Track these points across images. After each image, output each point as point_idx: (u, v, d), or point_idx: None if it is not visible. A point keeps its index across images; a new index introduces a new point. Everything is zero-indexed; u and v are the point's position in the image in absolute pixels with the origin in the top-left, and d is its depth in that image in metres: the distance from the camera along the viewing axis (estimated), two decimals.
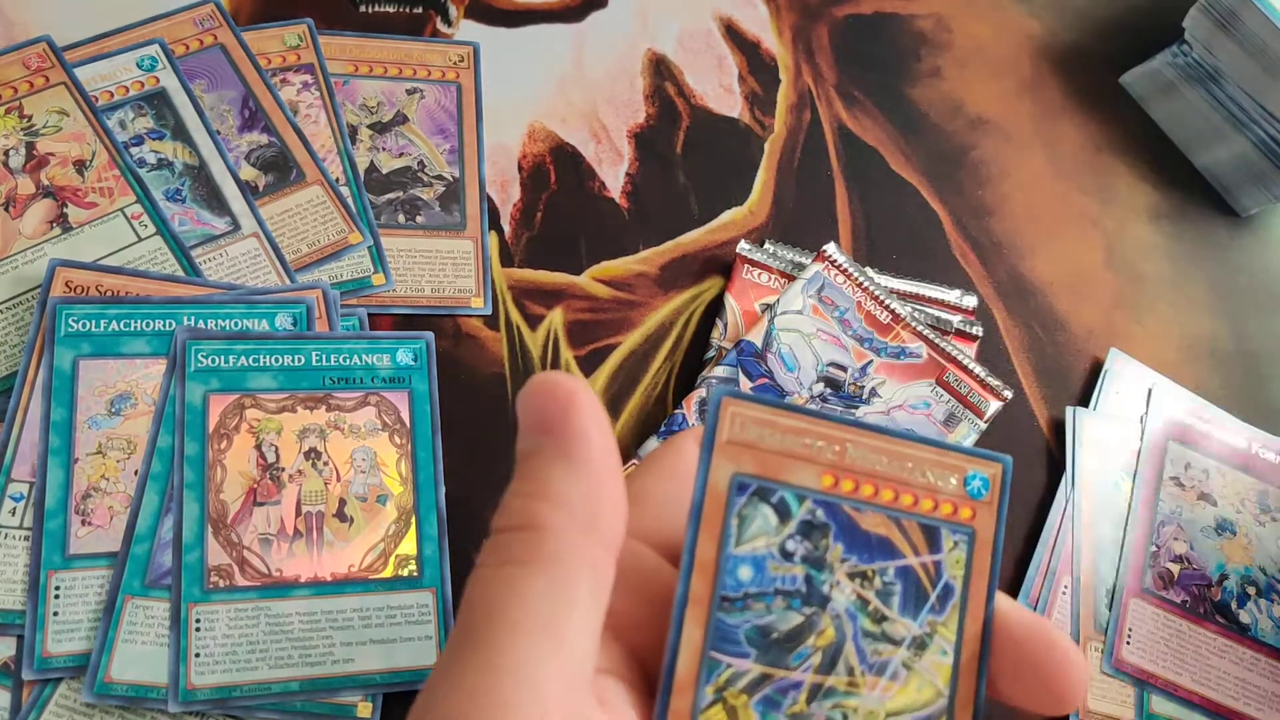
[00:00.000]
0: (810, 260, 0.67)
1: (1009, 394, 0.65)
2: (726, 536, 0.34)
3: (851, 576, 0.33)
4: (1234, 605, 0.64)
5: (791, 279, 0.67)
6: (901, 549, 0.34)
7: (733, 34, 0.78)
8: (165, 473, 0.56)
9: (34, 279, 0.60)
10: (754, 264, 0.67)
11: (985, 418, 0.65)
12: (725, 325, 0.65)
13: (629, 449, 0.64)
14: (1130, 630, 0.62)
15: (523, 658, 0.26)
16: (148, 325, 0.58)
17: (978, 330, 0.68)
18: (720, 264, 0.70)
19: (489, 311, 0.66)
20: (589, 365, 0.66)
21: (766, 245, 0.69)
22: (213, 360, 0.58)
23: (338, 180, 0.67)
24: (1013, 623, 0.32)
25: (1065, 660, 0.31)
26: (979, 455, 0.35)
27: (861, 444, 0.35)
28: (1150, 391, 0.69)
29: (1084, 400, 0.70)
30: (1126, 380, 0.70)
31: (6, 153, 0.63)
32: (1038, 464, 0.68)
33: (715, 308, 0.68)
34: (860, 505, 0.34)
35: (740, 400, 0.33)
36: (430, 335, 0.62)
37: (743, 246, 0.68)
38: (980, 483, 0.35)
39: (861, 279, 0.66)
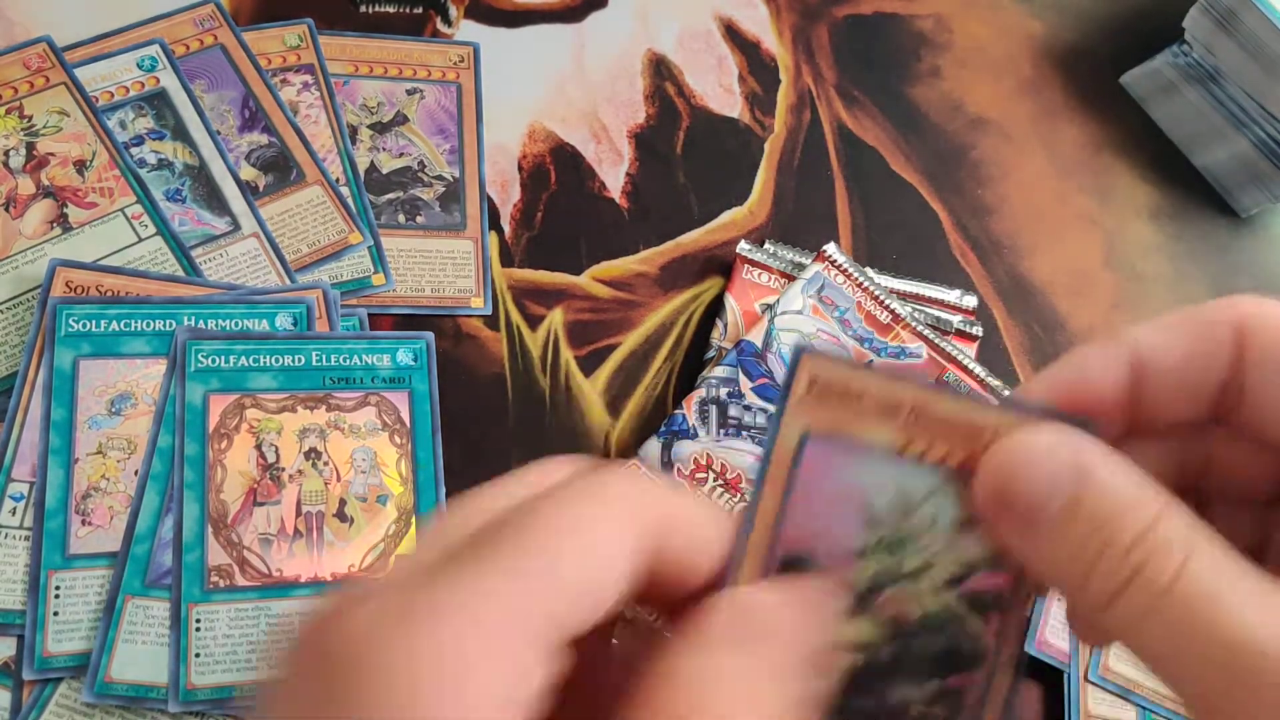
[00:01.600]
0: (810, 260, 0.67)
1: (1009, 394, 0.65)
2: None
3: None
4: None
5: (791, 279, 0.67)
6: None
7: (733, 34, 0.78)
8: (165, 473, 0.56)
9: (34, 279, 0.60)
10: (754, 264, 0.67)
11: None
12: (725, 325, 0.65)
13: (629, 449, 0.64)
14: None
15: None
16: (148, 325, 0.58)
17: (978, 330, 0.68)
18: (720, 264, 0.70)
19: (489, 311, 0.66)
20: (589, 365, 0.66)
21: (767, 245, 0.69)
22: (213, 360, 0.58)
23: (338, 180, 0.67)
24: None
25: None
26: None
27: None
28: None
29: None
30: None
31: (7, 153, 0.63)
32: None
33: (715, 308, 0.68)
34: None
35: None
36: (430, 335, 0.62)
37: (743, 247, 0.68)
38: None
39: (861, 279, 0.66)
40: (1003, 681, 0.36)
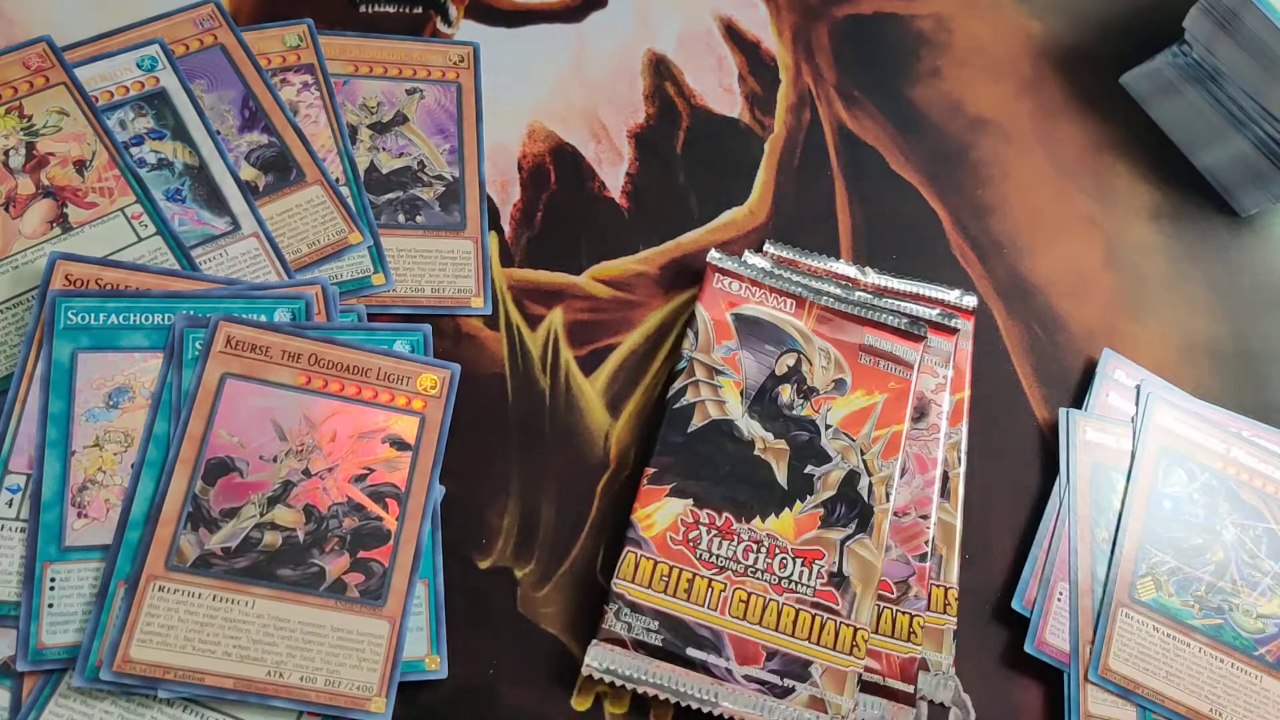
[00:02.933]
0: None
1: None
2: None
3: None
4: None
5: (762, 286, 0.66)
6: None
7: (733, 34, 0.78)
8: (161, 459, 0.56)
9: (34, 278, 0.60)
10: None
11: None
12: (696, 335, 0.65)
13: (629, 449, 0.64)
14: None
15: None
16: (147, 319, 0.58)
17: (957, 324, 0.68)
18: None
19: (489, 311, 0.66)
20: (589, 365, 0.66)
21: (745, 252, 0.69)
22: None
23: (338, 180, 0.67)
24: None
25: None
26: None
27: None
28: (1139, 390, 0.69)
29: (1083, 400, 0.69)
30: (1119, 381, 0.70)
31: (6, 153, 0.63)
32: (1037, 464, 0.68)
33: None
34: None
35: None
36: (428, 327, 0.62)
37: (713, 255, 0.67)
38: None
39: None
40: (407, 554, 0.54)
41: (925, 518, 0.62)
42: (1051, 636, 0.62)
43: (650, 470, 0.61)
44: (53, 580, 0.53)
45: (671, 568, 0.58)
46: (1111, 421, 0.68)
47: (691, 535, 0.59)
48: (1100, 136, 0.80)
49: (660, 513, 0.60)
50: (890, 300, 0.68)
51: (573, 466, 0.63)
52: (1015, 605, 0.62)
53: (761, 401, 0.63)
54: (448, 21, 0.74)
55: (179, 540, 0.54)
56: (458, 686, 0.56)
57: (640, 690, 0.56)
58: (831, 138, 0.76)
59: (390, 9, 0.74)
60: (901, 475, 0.63)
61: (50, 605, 0.53)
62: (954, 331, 0.67)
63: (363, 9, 0.74)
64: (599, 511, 0.62)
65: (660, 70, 0.76)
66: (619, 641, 0.56)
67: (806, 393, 0.64)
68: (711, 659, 0.57)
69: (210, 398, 0.56)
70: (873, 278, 0.70)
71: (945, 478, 0.64)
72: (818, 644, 0.58)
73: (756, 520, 0.60)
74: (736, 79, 0.77)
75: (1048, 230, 0.76)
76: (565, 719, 0.57)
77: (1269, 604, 0.64)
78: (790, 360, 0.65)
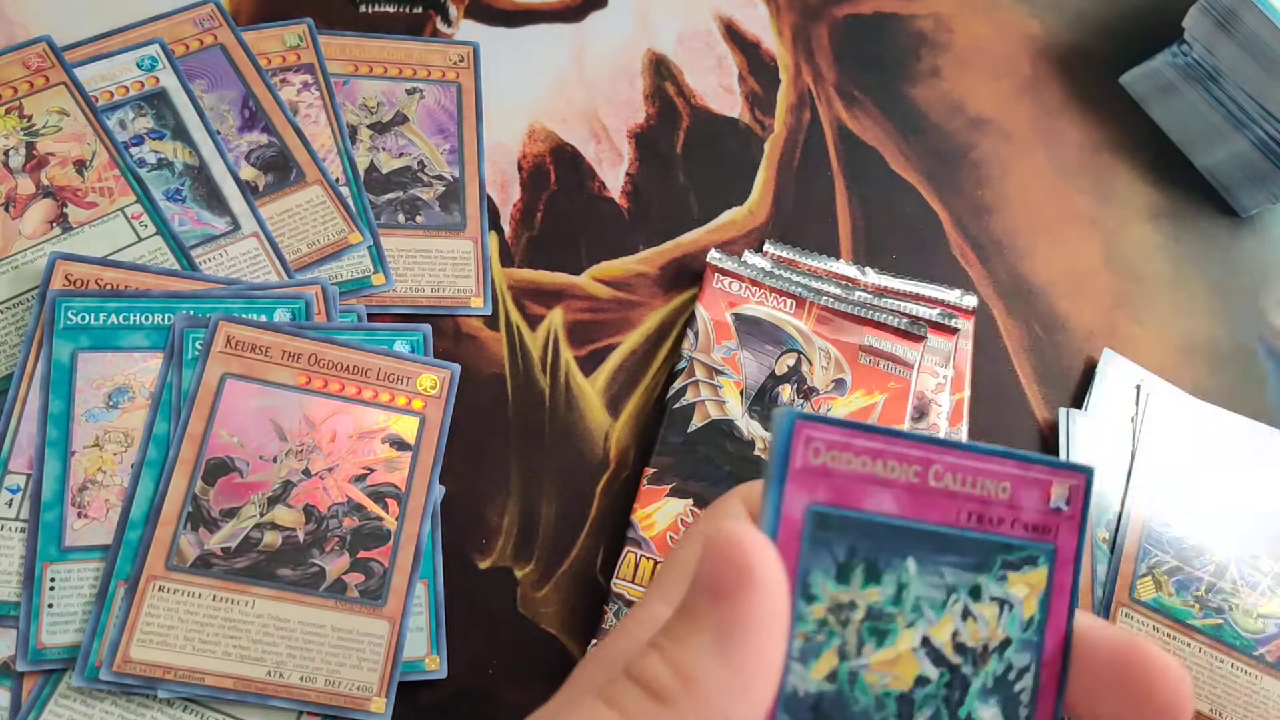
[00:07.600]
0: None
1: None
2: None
3: None
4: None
5: (762, 286, 0.66)
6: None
7: (733, 34, 0.78)
8: (161, 459, 0.56)
9: (34, 279, 0.60)
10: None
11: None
12: (696, 335, 0.65)
13: (629, 449, 0.63)
14: None
15: None
16: (147, 319, 0.58)
17: (957, 324, 0.68)
18: None
19: (489, 311, 0.66)
20: (589, 365, 0.66)
21: (745, 252, 0.69)
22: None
23: (338, 180, 0.67)
24: (1097, 640, 0.30)
25: (1157, 676, 0.28)
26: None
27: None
28: (1139, 389, 0.69)
29: (1083, 400, 0.69)
30: (1119, 381, 0.70)
31: (6, 153, 0.63)
32: None
33: None
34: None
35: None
36: (428, 327, 0.62)
37: (713, 255, 0.67)
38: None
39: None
40: (407, 554, 0.55)
41: None
42: None
43: (650, 470, 0.61)
44: (53, 580, 0.53)
45: None
46: (1112, 421, 0.68)
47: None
48: (1100, 136, 0.80)
49: (660, 513, 0.60)
50: (890, 300, 0.68)
51: (573, 466, 0.63)
52: None
53: (761, 401, 0.63)
54: (448, 21, 0.74)
55: (179, 540, 0.54)
56: (457, 686, 0.56)
57: None
58: (831, 138, 0.76)
59: (390, 9, 0.74)
60: None
61: (50, 605, 0.53)
62: (954, 331, 0.67)
63: (363, 9, 0.74)
64: (599, 511, 0.62)
65: (660, 70, 0.76)
66: None
67: (806, 393, 0.64)
68: None
69: (210, 398, 0.56)
70: (873, 278, 0.70)
71: None
72: None
73: None
74: (736, 79, 0.77)
75: (1048, 230, 0.76)
76: None
77: (1269, 604, 0.64)
78: (790, 360, 0.65)
